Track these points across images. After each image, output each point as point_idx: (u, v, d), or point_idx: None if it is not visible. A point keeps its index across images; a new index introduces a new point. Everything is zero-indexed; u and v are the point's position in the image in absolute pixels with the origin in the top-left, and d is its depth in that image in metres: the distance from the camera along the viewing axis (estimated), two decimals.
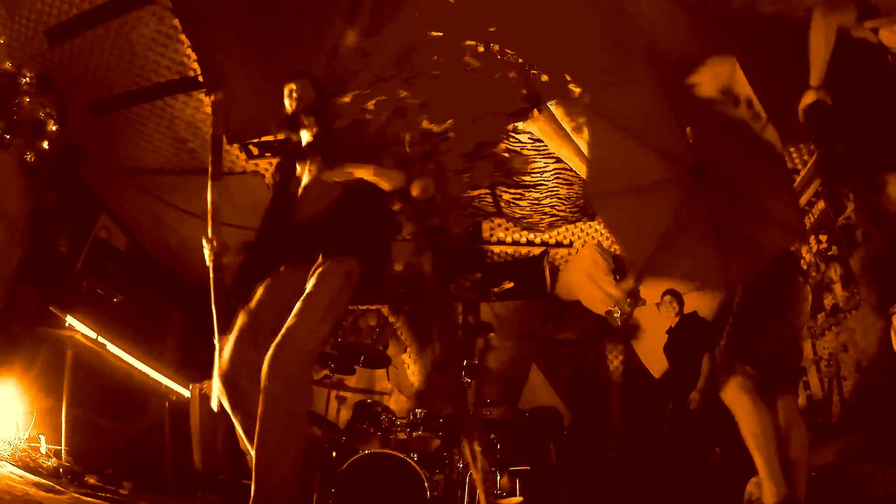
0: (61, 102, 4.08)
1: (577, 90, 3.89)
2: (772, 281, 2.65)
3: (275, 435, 1.89)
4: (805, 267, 4.28)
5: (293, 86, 2.49)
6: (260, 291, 2.21)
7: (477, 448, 2.52)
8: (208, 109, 4.35)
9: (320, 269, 2.13)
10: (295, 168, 2.46)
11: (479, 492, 2.59)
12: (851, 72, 2.50)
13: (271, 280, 2.23)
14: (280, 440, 1.89)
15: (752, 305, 2.67)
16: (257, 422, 1.90)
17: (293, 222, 2.31)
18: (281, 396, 1.90)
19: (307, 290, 2.08)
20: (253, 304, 2.18)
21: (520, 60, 3.94)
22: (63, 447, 3.10)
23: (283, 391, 1.90)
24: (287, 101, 2.50)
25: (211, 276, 2.33)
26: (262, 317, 2.16)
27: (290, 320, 2.01)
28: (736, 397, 2.47)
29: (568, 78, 3.84)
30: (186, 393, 4.64)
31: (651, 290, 5.38)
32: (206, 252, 2.34)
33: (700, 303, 4.88)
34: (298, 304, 2.04)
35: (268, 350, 1.99)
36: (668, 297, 4.73)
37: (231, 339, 2.13)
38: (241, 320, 2.16)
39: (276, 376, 1.91)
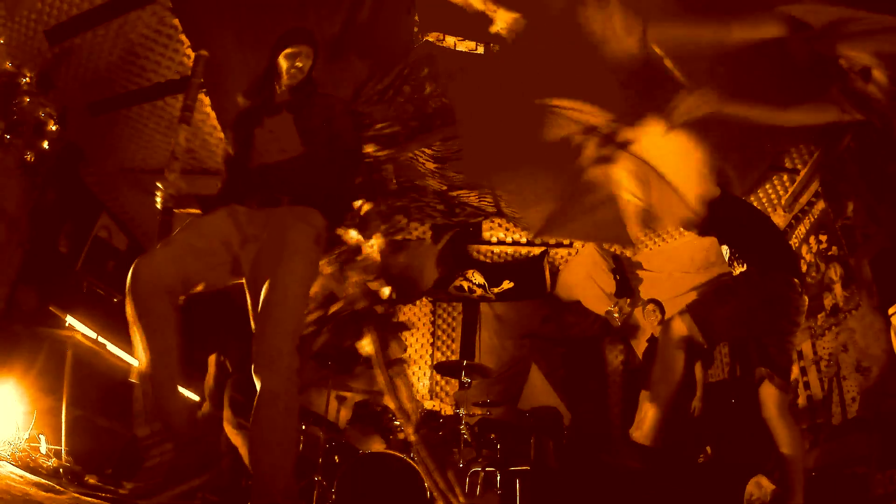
0: (61, 102, 4.08)
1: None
2: (762, 279, 2.72)
3: (275, 433, 1.85)
4: (805, 268, 4.28)
5: (300, 51, 2.29)
6: (209, 217, 2.10)
7: (420, 442, 2.53)
8: (208, 109, 4.35)
9: (287, 231, 2.04)
10: (258, 121, 2.28)
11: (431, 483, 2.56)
12: None
13: (225, 213, 2.11)
14: (279, 438, 1.86)
15: (729, 292, 2.83)
16: (252, 419, 1.85)
17: (253, 165, 2.21)
18: (279, 392, 1.85)
19: (279, 265, 1.97)
20: (198, 224, 2.08)
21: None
22: (63, 447, 3.10)
23: (280, 386, 1.86)
24: (284, 63, 2.28)
25: (158, 218, 2.21)
26: (203, 237, 2.05)
27: (270, 307, 1.93)
28: (664, 345, 2.72)
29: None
30: (186, 393, 4.64)
31: (651, 293, 5.41)
32: (158, 194, 2.18)
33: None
34: (276, 288, 1.94)
35: (196, 272, 1.98)
36: (651, 306, 4.82)
37: (164, 246, 2.00)
38: (181, 234, 2.04)
39: (274, 371, 1.87)
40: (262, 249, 2.05)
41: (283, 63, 2.28)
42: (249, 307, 2.06)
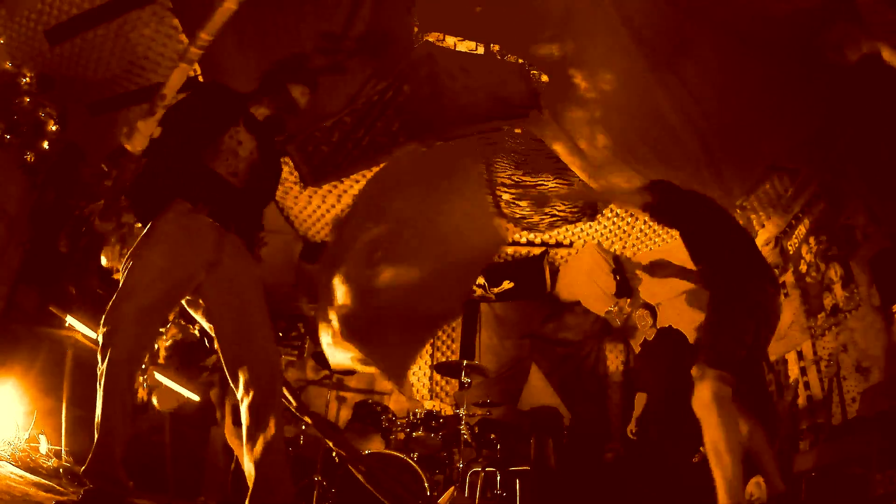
0: (61, 102, 4.07)
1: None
2: (742, 288, 2.63)
3: (280, 435, 2.05)
4: (805, 268, 4.28)
5: (306, 92, 2.44)
6: (192, 242, 2.13)
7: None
8: None
9: (250, 267, 2.26)
10: (234, 122, 2.33)
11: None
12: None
13: (195, 235, 2.14)
14: (282, 440, 2.06)
15: (723, 313, 2.64)
16: (261, 426, 2.03)
17: (208, 164, 2.23)
18: (279, 401, 2.11)
19: (254, 293, 2.20)
20: (178, 255, 2.10)
21: (520, 61, 3.95)
22: (63, 447, 3.09)
23: (280, 395, 2.13)
24: (293, 92, 2.40)
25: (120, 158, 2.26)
26: (182, 269, 2.10)
27: (262, 327, 2.17)
28: (708, 406, 2.42)
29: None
30: (187, 393, 4.64)
31: (651, 292, 5.41)
32: (132, 133, 2.14)
33: (675, 316, 5.01)
34: (258, 312, 2.17)
35: (164, 321, 2.15)
36: (640, 311, 4.87)
37: (145, 289, 2.03)
38: (159, 277, 2.05)
39: (278, 381, 2.13)
40: (226, 279, 2.17)
41: (294, 96, 2.40)
42: (205, 322, 2.21)
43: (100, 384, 1.94)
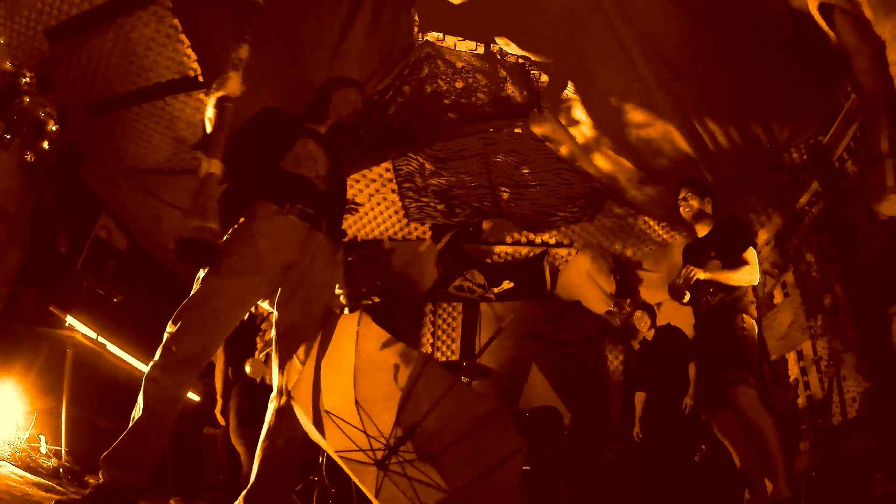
0: (61, 102, 4.07)
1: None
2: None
3: (299, 443, 2.11)
4: (805, 268, 4.28)
5: (357, 95, 2.58)
6: (271, 247, 2.11)
7: None
8: None
9: (332, 272, 2.30)
10: (300, 134, 2.41)
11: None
12: None
13: (270, 236, 2.12)
14: (299, 448, 2.13)
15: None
16: (285, 429, 2.07)
17: (290, 169, 2.27)
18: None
19: (321, 304, 2.25)
20: (256, 259, 2.08)
21: (519, 61, 3.94)
22: (63, 447, 3.09)
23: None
24: (346, 104, 2.52)
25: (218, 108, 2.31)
26: (256, 278, 2.09)
27: (310, 335, 2.21)
28: (756, 405, 2.88)
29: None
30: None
31: (651, 293, 5.41)
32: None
33: (674, 315, 5.02)
34: (316, 322, 2.22)
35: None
36: (638, 313, 4.88)
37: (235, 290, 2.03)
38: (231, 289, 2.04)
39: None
40: (300, 284, 2.16)
41: (349, 95, 2.53)
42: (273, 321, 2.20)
43: (152, 377, 1.92)
